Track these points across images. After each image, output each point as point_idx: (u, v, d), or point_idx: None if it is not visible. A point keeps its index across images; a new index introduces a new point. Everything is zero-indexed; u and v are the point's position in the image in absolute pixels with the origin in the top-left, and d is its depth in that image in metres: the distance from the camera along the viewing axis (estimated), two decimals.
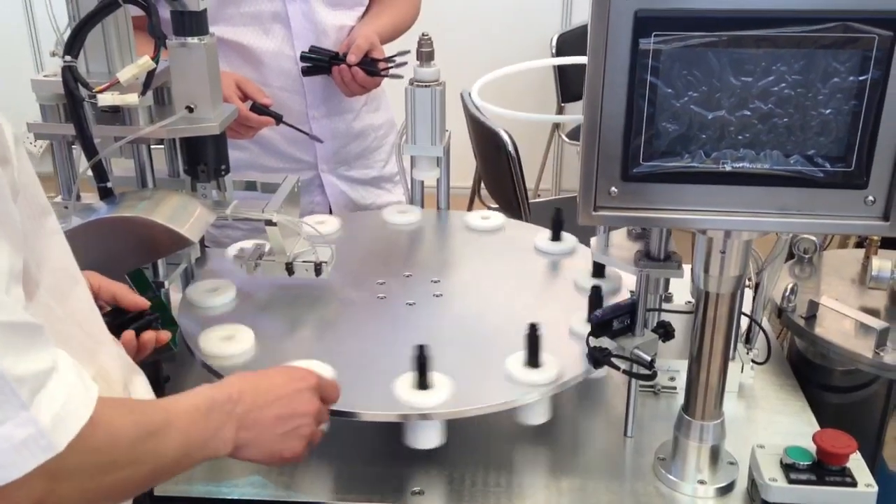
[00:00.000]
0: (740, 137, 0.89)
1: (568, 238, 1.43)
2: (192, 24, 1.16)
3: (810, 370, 1.35)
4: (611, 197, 0.94)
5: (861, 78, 0.85)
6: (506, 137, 2.42)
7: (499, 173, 2.61)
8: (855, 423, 1.30)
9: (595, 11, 0.86)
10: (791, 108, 0.87)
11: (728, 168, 0.90)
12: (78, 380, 0.72)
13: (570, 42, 3.66)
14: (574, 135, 3.76)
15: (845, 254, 1.55)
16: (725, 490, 1.08)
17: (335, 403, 1.03)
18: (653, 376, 1.08)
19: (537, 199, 3.19)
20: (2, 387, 0.65)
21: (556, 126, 3.79)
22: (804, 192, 0.90)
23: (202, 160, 1.23)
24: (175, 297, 1.33)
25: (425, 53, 1.45)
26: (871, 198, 0.90)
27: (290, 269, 1.27)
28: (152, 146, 1.24)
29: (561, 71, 3.61)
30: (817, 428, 1.21)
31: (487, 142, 2.56)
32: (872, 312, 1.32)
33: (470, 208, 3.08)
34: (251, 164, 1.63)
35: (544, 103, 3.92)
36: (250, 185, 1.35)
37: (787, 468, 1.02)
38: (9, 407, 0.65)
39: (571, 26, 3.84)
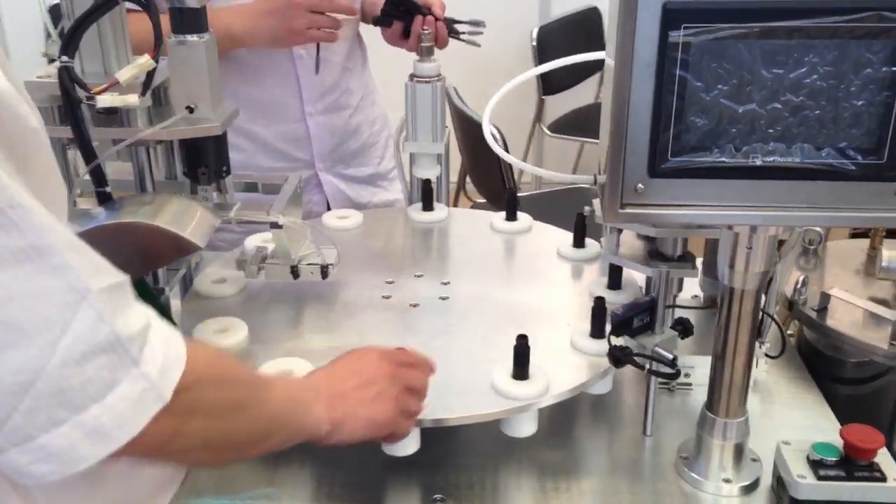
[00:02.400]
0: (771, 131, 0.87)
1: (591, 245, 1.40)
2: (192, 21, 1.12)
3: (821, 362, 1.34)
4: (637, 194, 0.91)
5: (894, 68, 0.83)
6: (493, 131, 2.39)
7: (486, 168, 2.59)
8: (867, 415, 1.29)
9: (623, 4, 0.84)
10: (823, 99, 0.85)
11: (758, 162, 0.88)
12: (168, 331, 0.75)
13: (550, 35, 3.65)
14: (555, 128, 3.75)
15: (849, 244, 1.55)
16: (750, 488, 1.07)
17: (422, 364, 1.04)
18: (676, 374, 1.06)
19: (522, 193, 3.16)
20: (117, 348, 0.68)
21: (538, 119, 3.77)
22: (834, 186, 0.89)
23: (203, 162, 1.19)
24: (174, 302, 1.30)
25: (425, 49, 1.42)
26: None
27: (295, 272, 1.24)
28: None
29: (542, 61, 3.59)
30: (834, 421, 1.20)
31: (474, 136, 2.54)
32: (881, 302, 1.32)
33: (455, 203, 3.07)
34: (246, 165, 1.59)
35: (525, 96, 3.90)
36: (251, 186, 1.32)
37: (815, 464, 1.01)
38: (122, 367, 0.69)
39: (550, 19, 3.83)
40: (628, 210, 0.92)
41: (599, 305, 1.14)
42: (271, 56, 1.55)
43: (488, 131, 2.38)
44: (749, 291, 0.99)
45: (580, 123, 3.80)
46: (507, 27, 3.78)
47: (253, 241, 1.36)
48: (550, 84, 3.64)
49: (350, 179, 1.72)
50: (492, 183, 2.56)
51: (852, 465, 1.00)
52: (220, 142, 1.19)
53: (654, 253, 1.17)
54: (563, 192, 3.16)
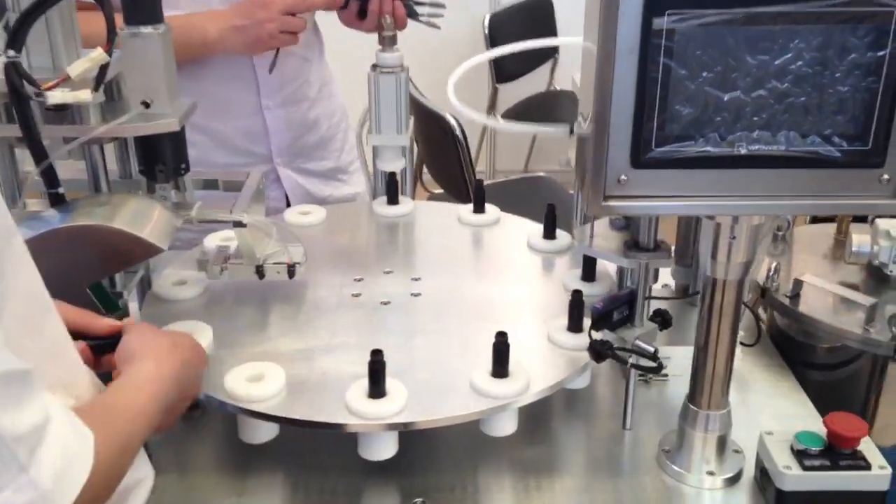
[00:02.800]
0: (756, 119, 0.86)
1: (562, 236, 1.37)
2: (146, 11, 1.06)
3: (793, 348, 1.34)
4: (620, 185, 0.89)
5: (879, 53, 0.82)
6: (453, 122, 2.36)
7: (444, 158, 2.56)
8: (840, 401, 1.30)
9: None
10: (808, 86, 0.84)
11: (743, 151, 0.87)
12: (72, 428, 0.65)
13: (502, 22, 3.62)
14: (509, 116, 3.72)
15: (814, 229, 1.55)
16: (733, 480, 1.05)
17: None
18: (659, 368, 1.04)
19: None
20: (0, 450, 0.59)
21: (492, 107, 3.74)
22: (819, 173, 0.88)
23: (160, 159, 1.13)
24: (132, 306, 1.24)
25: (388, 38, 1.38)
26: (886, 176, 0.87)
27: (260, 272, 1.19)
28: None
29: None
30: (811, 408, 1.20)
31: (432, 126, 2.50)
32: (851, 286, 1.32)
33: (413, 194, 3.02)
34: (200, 161, 1.51)
35: (478, 85, 3.88)
36: (210, 184, 1.26)
37: (800, 454, 1.00)
38: (7, 471, 0.60)
39: (501, 7, 3.80)
40: (612, 203, 0.89)
41: (577, 299, 1.12)
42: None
43: (453, 118, 2.34)
44: (731, 282, 0.98)
45: (533, 111, 3.78)
46: (458, 15, 3.74)
47: (213, 240, 1.31)
48: (503, 72, 3.62)
49: (310, 174, 1.67)
50: (450, 173, 2.52)
51: (836, 453, 1.00)
52: (177, 138, 1.14)
53: (630, 244, 1.15)
54: (519, 181, 3.14)
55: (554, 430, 1.16)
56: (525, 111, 3.79)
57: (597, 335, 1.06)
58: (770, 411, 1.19)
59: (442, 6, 1.50)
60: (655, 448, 1.11)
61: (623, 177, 0.89)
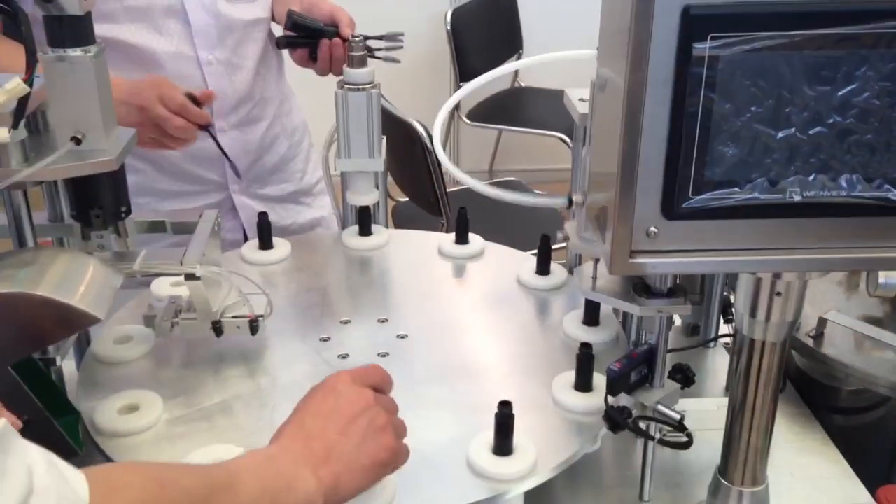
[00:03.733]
0: (812, 160, 0.72)
1: (556, 270, 1.23)
2: (74, 31, 0.89)
3: (815, 390, 1.21)
4: (649, 239, 0.75)
5: None
6: (420, 129, 2.21)
7: (412, 166, 2.40)
8: (864, 447, 1.18)
9: (636, 9, 0.66)
10: (876, 121, 0.70)
11: (797, 198, 0.73)
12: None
13: (463, 18, 3.46)
14: (473, 116, 3.58)
15: None
16: None
17: (389, 384, 0.86)
18: (690, 442, 0.90)
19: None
20: None
21: (456, 107, 3.59)
22: (886, 222, 0.74)
23: (96, 203, 0.97)
24: (68, 366, 1.07)
25: (356, 58, 1.22)
26: None
27: (217, 329, 1.03)
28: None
29: (458, 48, 3.41)
30: (846, 466, 1.07)
31: (397, 133, 2.34)
32: (875, 322, 1.20)
33: (386, 216, 2.86)
34: (145, 189, 1.35)
35: (439, 83, 3.72)
36: (156, 226, 1.09)
37: None
38: None
39: (461, 2, 3.64)
40: (640, 259, 0.75)
41: (586, 354, 0.98)
42: (174, 61, 1.32)
43: (420, 125, 2.19)
44: (772, 344, 0.84)
45: (497, 110, 3.64)
46: (418, 10, 3.58)
47: (161, 287, 1.14)
48: (466, 70, 3.46)
49: (269, 199, 1.50)
50: (417, 181, 2.37)
51: None
52: (116, 177, 0.97)
53: (639, 287, 1.01)
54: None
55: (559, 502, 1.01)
56: (490, 110, 3.65)
57: (612, 399, 0.92)
58: (800, 472, 1.06)
59: (400, 38, 1.34)
60: None
61: (653, 229, 0.74)
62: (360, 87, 1.23)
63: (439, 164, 2.30)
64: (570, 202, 1.06)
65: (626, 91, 0.69)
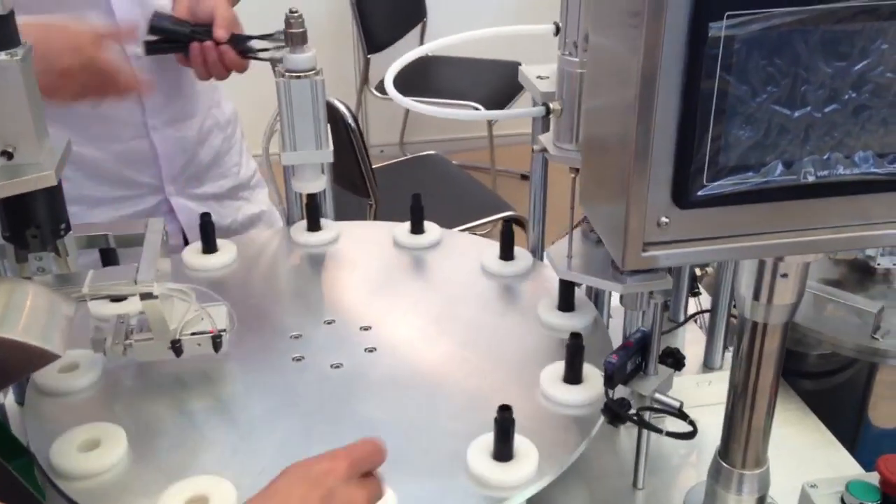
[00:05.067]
0: (828, 139, 0.69)
1: (521, 255, 1.18)
2: None
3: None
4: (660, 230, 0.71)
5: None
6: (342, 108, 2.13)
7: (335, 149, 2.31)
8: (833, 409, 1.19)
9: None
10: (891, 95, 0.68)
11: (811, 179, 0.70)
12: None
13: None
14: (383, 88, 3.48)
15: None
16: None
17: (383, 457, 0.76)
18: (694, 432, 0.87)
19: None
20: None
21: (365, 80, 3.50)
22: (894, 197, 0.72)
23: (33, 222, 0.87)
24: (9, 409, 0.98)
25: (297, 35, 1.14)
26: None
27: (177, 348, 0.95)
28: None
29: (363, 18, 3.31)
30: (829, 435, 1.08)
31: None
32: (834, 284, 1.21)
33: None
34: (72, 197, 1.20)
35: (343, 55, 3.62)
36: (96, 241, 0.99)
37: None
38: None
39: None
40: (654, 252, 0.71)
41: (576, 345, 0.94)
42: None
43: (342, 105, 2.11)
44: (775, 326, 0.82)
45: (406, 82, 3.54)
46: None
47: (103, 306, 1.05)
48: (373, 41, 3.37)
49: (207, 198, 1.39)
50: (342, 163, 2.28)
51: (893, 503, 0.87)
52: (53, 192, 0.87)
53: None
54: (407, 162, 2.93)
55: (552, 498, 0.98)
56: (399, 81, 3.55)
57: (611, 392, 0.89)
58: (783, 444, 1.05)
59: (278, 35, 1.21)
60: None
61: (664, 219, 0.70)
62: (303, 73, 1.15)
63: (364, 144, 2.22)
64: (548, 110, 1.01)
65: (639, 81, 0.65)
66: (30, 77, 0.82)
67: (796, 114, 0.67)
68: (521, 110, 1.07)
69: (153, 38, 1.21)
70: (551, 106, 0.98)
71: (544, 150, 1.01)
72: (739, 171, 0.69)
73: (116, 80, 1.11)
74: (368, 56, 3.39)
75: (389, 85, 1.10)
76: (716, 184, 0.69)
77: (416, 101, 1.11)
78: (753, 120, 0.67)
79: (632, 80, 0.66)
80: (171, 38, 1.21)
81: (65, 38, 1.08)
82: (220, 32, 1.19)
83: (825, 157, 0.69)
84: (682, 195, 0.69)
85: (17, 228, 0.87)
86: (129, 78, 1.14)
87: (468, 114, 1.08)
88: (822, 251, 0.76)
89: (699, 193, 0.69)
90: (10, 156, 0.82)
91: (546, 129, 1.04)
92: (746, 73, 0.65)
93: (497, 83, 3.38)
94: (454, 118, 1.07)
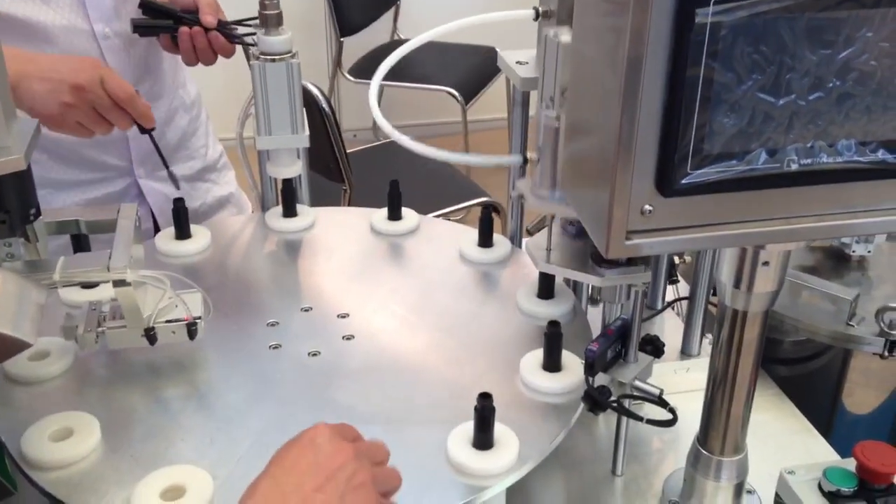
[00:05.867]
0: (811, 127, 0.69)
1: (499, 242, 1.17)
2: None
3: None
4: (643, 218, 0.70)
5: None
6: (316, 92, 2.10)
7: (309, 133, 2.29)
8: (807, 396, 1.20)
9: None
10: (874, 83, 0.68)
11: (794, 167, 0.70)
12: None
13: None
14: (356, 72, 3.46)
15: None
16: None
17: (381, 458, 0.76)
18: (674, 420, 0.87)
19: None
20: None
21: (338, 63, 3.46)
22: (878, 186, 0.72)
23: (1, 207, 0.84)
24: None
25: (272, 17, 1.12)
26: None
27: (151, 336, 0.93)
28: None
29: (336, 1, 3.27)
30: (804, 421, 1.09)
31: None
32: (806, 270, 1.22)
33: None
34: (40, 180, 1.19)
35: (315, 38, 3.58)
36: (67, 226, 0.97)
37: (832, 497, 0.87)
38: None
39: None
40: (638, 240, 0.71)
41: (555, 333, 0.94)
42: (67, 36, 1.17)
43: (315, 88, 2.09)
44: (755, 314, 0.82)
45: (378, 65, 3.52)
46: None
47: (73, 292, 1.03)
48: (346, 24, 3.34)
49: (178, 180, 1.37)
50: (315, 147, 2.26)
51: (870, 491, 0.87)
52: (23, 177, 0.85)
53: (597, 256, 0.98)
54: (381, 147, 2.91)
55: (531, 485, 0.98)
56: (372, 65, 3.53)
57: (591, 380, 0.88)
58: (760, 430, 1.05)
59: (253, 21, 1.20)
60: (653, 495, 0.96)
61: (647, 207, 0.70)
62: (278, 56, 1.13)
63: (338, 128, 2.20)
64: (525, 160, 1.01)
65: (625, 67, 0.64)
66: None
67: (781, 102, 0.67)
68: (501, 158, 1.06)
69: (143, 18, 1.20)
70: (529, 156, 0.99)
71: (521, 196, 1.01)
72: (723, 159, 0.68)
73: (133, 104, 1.10)
74: (342, 39, 3.36)
75: (375, 108, 1.07)
76: (700, 172, 0.69)
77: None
78: (738, 108, 0.67)
79: (617, 67, 0.65)
80: (161, 16, 1.20)
81: (77, 60, 1.08)
82: (209, 18, 1.18)
83: (809, 145, 0.69)
84: (667, 183, 0.69)
85: None
86: (142, 107, 1.13)
87: (444, 155, 1.04)
88: (804, 239, 0.76)
89: (683, 181, 0.69)
90: None
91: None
92: (732, 61, 0.65)
93: (471, 68, 3.37)
94: (441, 158, 1.04)
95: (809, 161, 0.70)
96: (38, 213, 0.89)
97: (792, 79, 0.66)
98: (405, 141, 1.04)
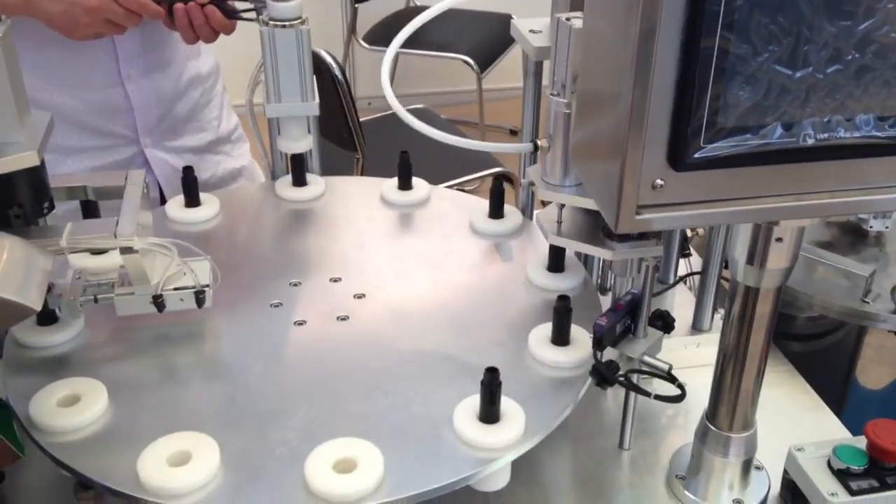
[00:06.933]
0: (829, 101, 0.67)
1: (511, 214, 1.16)
2: None
3: None
4: (654, 192, 0.69)
5: None
6: (329, 59, 2.09)
7: (322, 101, 2.27)
8: (820, 372, 1.19)
9: None
10: (894, 56, 0.66)
11: (810, 142, 0.68)
12: None
13: None
14: (370, 38, 3.43)
15: None
16: None
17: None
18: (683, 396, 0.87)
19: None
20: None
21: (352, 30, 3.44)
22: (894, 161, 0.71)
23: (14, 201, 0.84)
24: None
25: None
26: None
27: (159, 303, 0.93)
28: None
29: None
30: (816, 398, 1.08)
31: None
32: (822, 246, 1.20)
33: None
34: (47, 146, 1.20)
35: (328, 5, 3.55)
36: (76, 193, 0.97)
37: (842, 475, 0.87)
38: None
39: None
40: (648, 215, 0.69)
41: (564, 307, 0.93)
42: None
43: (329, 55, 2.07)
44: (768, 290, 0.81)
45: (394, 32, 3.49)
46: None
47: (85, 259, 1.03)
48: None
49: (185, 152, 1.36)
50: (328, 115, 2.25)
51: (881, 469, 0.87)
52: (38, 171, 0.84)
53: (608, 229, 0.96)
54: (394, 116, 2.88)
55: (538, 459, 0.97)
56: (386, 32, 3.51)
57: (600, 355, 0.88)
58: (771, 406, 1.05)
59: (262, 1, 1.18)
60: (660, 469, 0.96)
61: (659, 181, 0.69)
62: (288, 23, 1.12)
63: (352, 96, 2.19)
64: (536, 147, 1.00)
65: (637, 38, 0.62)
66: (11, 53, 0.79)
67: (798, 74, 0.65)
68: (512, 146, 1.05)
69: None
70: (539, 143, 0.98)
71: (532, 184, 1.00)
72: (738, 133, 0.67)
73: (146, 10, 1.12)
74: (356, 5, 3.32)
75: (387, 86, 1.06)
76: (713, 146, 0.67)
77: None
78: (754, 80, 0.65)
79: (630, 38, 0.63)
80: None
81: None
82: None
83: (826, 119, 0.68)
84: (679, 157, 0.67)
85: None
86: (152, 10, 1.14)
87: (452, 139, 1.03)
88: (819, 216, 0.75)
89: (696, 155, 0.67)
90: None
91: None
92: (748, 32, 0.63)
93: (487, 35, 3.33)
94: (450, 142, 1.02)
95: (826, 136, 0.68)
96: (52, 207, 0.89)
97: (809, 51, 0.65)
98: (411, 120, 1.02)
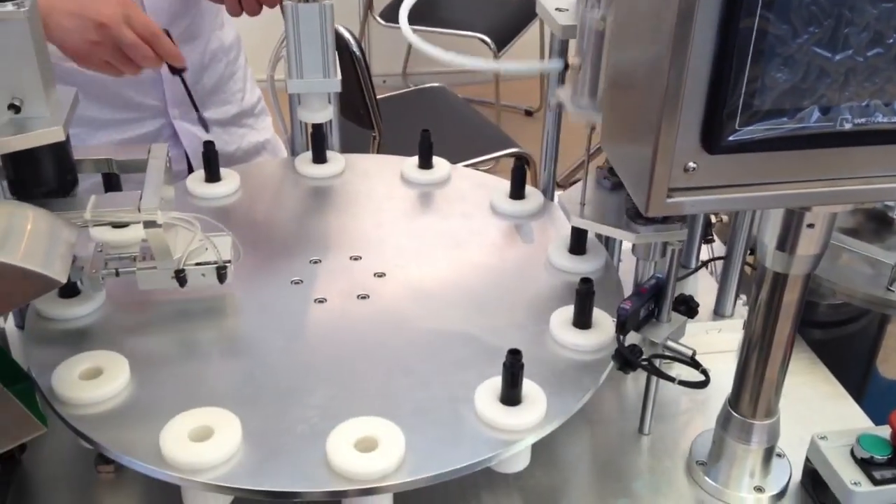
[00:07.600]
0: (868, 85, 0.66)
1: (531, 194, 1.15)
2: None
3: None
4: (686, 175, 0.68)
5: None
6: (348, 36, 2.07)
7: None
8: (841, 359, 1.18)
9: None
10: None
11: (848, 126, 0.67)
12: None
13: None
14: (388, 15, 3.41)
15: None
16: (782, 494, 0.91)
17: None
18: (707, 382, 0.86)
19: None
20: None
21: (369, 6, 3.41)
22: None
23: (41, 179, 0.84)
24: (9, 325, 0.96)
25: None
26: None
27: (181, 278, 0.93)
28: None
29: None
30: (838, 386, 1.07)
31: None
32: (846, 232, 1.19)
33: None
34: (75, 119, 1.19)
35: None
36: (99, 165, 0.96)
37: (865, 464, 0.86)
38: None
39: None
40: (680, 198, 0.69)
41: (587, 290, 0.92)
42: None
43: (347, 31, 2.05)
44: (796, 277, 0.80)
45: (415, 9, 3.47)
46: None
47: (106, 232, 1.02)
48: None
49: (211, 124, 1.35)
50: (345, 92, 2.24)
51: None
52: (62, 147, 0.84)
53: (633, 212, 0.95)
54: (412, 94, 2.87)
55: (557, 441, 0.97)
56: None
57: (623, 339, 0.87)
58: (792, 393, 1.03)
59: None
60: (679, 455, 0.95)
61: (691, 164, 0.68)
62: None
63: (369, 73, 2.17)
64: (566, 66, 0.97)
65: (675, 17, 0.61)
66: (37, 28, 0.78)
67: (837, 57, 0.64)
68: (537, 65, 1.03)
69: None
70: (570, 61, 0.93)
71: (560, 105, 0.97)
72: (774, 116, 0.66)
73: (157, 42, 1.08)
74: None
75: (404, 22, 1.04)
76: (748, 128, 0.66)
77: (423, 30, 1.06)
78: (792, 62, 0.64)
79: (667, 16, 0.62)
80: None
81: None
82: None
83: (864, 103, 0.66)
84: (713, 140, 0.66)
85: (23, 185, 0.85)
86: (168, 46, 1.10)
87: (476, 63, 1.02)
88: (853, 202, 0.74)
89: (731, 138, 0.66)
90: (17, 109, 0.79)
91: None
92: (788, 12, 0.62)
93: (504, 14, 3.30)
94: (462, 67, 1.01)
95: (864, 120, 0.67)
96: (76, 182, 0.88)
97: (850, 33, 0.64)
98: (432, 50, 1.01)
